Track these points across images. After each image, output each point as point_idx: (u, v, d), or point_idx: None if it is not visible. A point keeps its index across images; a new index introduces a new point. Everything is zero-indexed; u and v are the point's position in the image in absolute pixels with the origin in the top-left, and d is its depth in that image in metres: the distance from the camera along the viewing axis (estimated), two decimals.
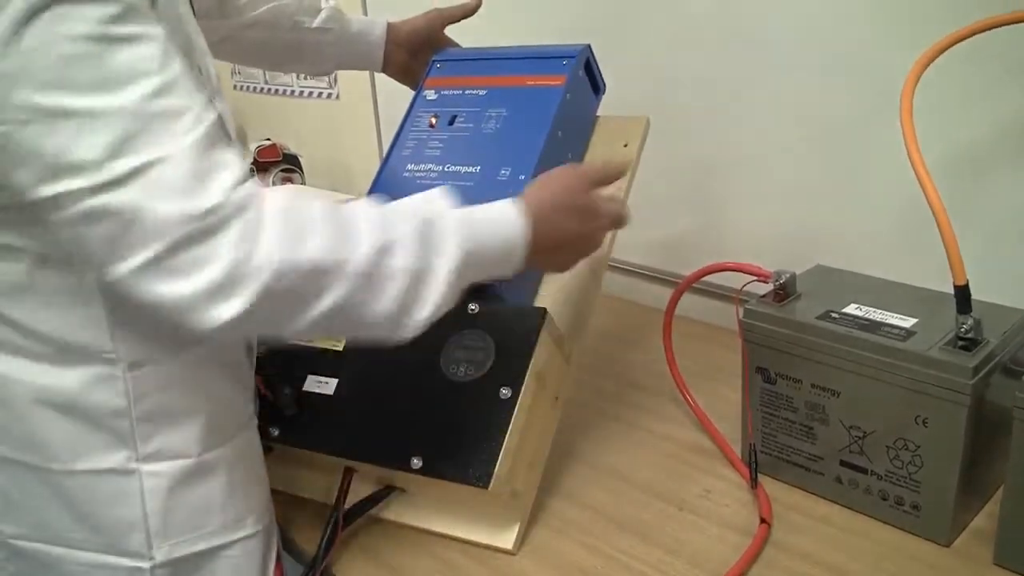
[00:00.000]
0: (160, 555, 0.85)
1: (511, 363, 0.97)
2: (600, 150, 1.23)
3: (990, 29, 0.94)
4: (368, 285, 0.73)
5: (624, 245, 1.16)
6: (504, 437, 0.93)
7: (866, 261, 1.12)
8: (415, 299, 0.76)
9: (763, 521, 0.98)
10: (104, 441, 0.82)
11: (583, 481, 1.10)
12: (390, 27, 1.26)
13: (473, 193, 1.02)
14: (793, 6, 1.30)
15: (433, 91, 1.25)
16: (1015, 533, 0.88)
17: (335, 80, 2.33)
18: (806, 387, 0.99)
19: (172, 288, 0.67)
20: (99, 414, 0.81)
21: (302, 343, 1.09)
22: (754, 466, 1.05)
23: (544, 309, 1.01)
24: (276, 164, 2.29)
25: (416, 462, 0.95)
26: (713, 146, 1.46)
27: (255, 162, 2.28)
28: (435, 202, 0.82)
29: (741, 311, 1.03)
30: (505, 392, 0.95)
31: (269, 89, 2.61)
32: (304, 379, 1.07)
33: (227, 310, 0.67)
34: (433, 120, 1.21)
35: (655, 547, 0.98)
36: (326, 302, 0.71)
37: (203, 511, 0.87)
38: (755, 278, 1.04)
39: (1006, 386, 0.87)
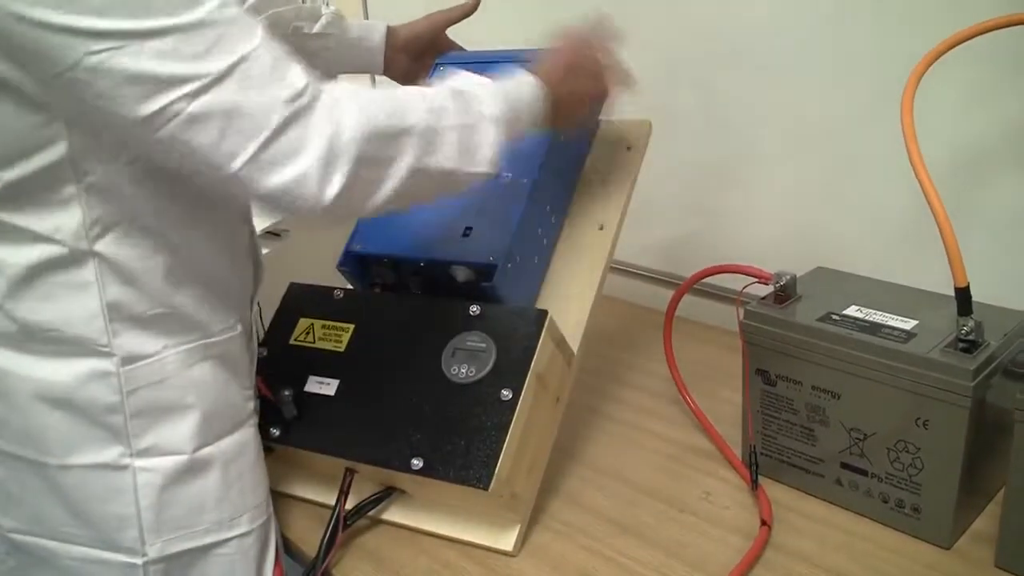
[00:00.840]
0: (153, 551, 0.86)
1: (512, 364, 0.97)
2: (603, 152, 1.23)
3: (990, 31, 0.94)
4: (434, 139, 0.82)
5: (625, 246, 1.16)
6: (505, 438, 0.93)
7: (867, 263, 1.12)
8: (474, 144, 0.86)
9: (763, 523, 0.97)
10: (98, 436, 0.83)
11: (583, 483, 1.10)
12: (390, 31, 1.27)
13: (477, 196, 1.02)
14: (794, 8, 1.30)
15: None
16: (1016, 535, 0.88)
17: None
18: (806, 389, 0.99)
19: (283, 172, 0.74)
20: (93, 409, 0.82)
21: (302, 344, 1.09)
22: (754, 468, 1.04)
23: (545, 311, 1.00)
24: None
25: (416, 463, 0.95)
26: (713, 148, 1.46)
27: None
28: (467, 78, 0.93)
29: (742, 313, 1.03)
30: (506, 393, 0.95)
31: None
32: (305, 380, 1.07)
33: (334, 184, 0.75)
34: None
35: (655, 549, 0.97)
36: (407, 159, 0.80)
37: (197, 508, 0.88)
38: (756, 280, 1.03)
39: (1007, 388, 0.87)
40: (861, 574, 0.91)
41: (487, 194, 1.04)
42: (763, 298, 1.04)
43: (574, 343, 1.08)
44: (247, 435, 0.95)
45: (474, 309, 1.02)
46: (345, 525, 1.01)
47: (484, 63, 1.23)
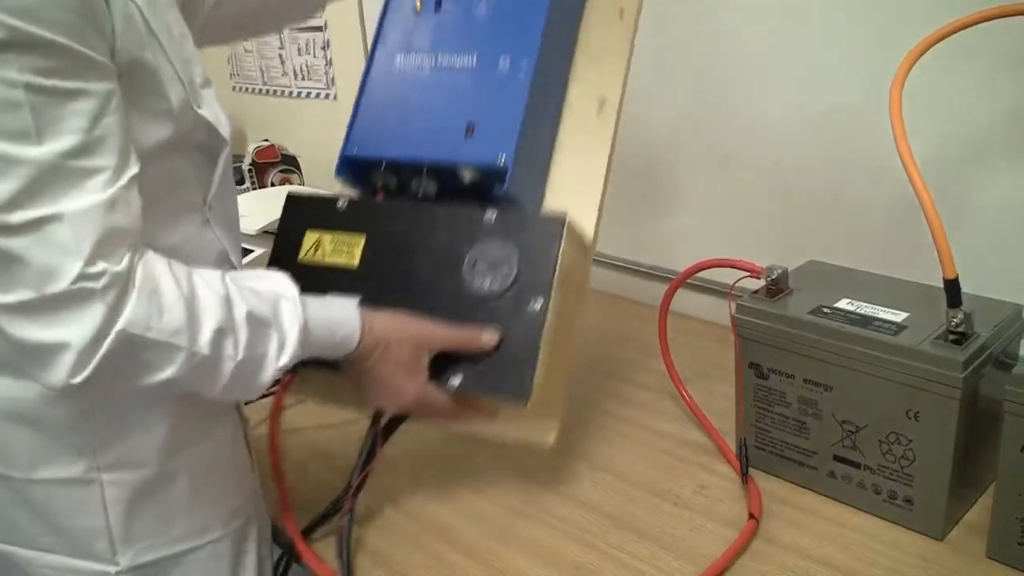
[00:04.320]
0: (125, 561, 0.85)
1: (536, 274, 0.94)
2: (593, 22, 1.13)
3: (978, 23, 0.94)
4: (208, 367, 0.76)
5: (617, 241, 1.16)
6: (538, 351, 0.92)
7: (859, 256, 1.13)
8: (248, 380, 0.80)
9: (751, 516, 0.98)
10: (63, 452, 0.82)
11: (578, 477, 1.11)
12: None
13: (474, 88, 0.99)
14: (787, 3, 1.30)
15: None
16: (1007, 526, 0.88)
17: (332, 81, 2.33)
18: (798, 382, 0.99)
19: (31, 333, 0.68)
20: (57, 426, 0.81)
21: (312, 261, 1.05)
22: (744, 461, 1.05)
23: (564, 215, 0.96)
24: (274, 165, 2.30)
25: (453, 381, 0.95)
26: (706, 142, 1.47)
27: (253, 163, 2.29)
28: (281, 285, 0.85)
29: (734, 307, 1.03)
30: (534, 304, 0.93)
31: (267, 90, 2.62)
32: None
33: (77, 372, 0.69)
34: (418, 3, 1.10)
35: (650, 543, 0.98)
36: (168, 373, 0.74)
37: (167, 518, 0.87)
38: (748, 274, 1.04)
39: (998, 379, 0.88)
40: (854, 566, 0.92)
41: (485, 82, 1.01)
42: (755, 292, 1.04)
43: (589, 224, 1.04)
44: (222, 438, 0.94)
45: (490, 216, 0.98)
46: (383, 440, 1.02)
47: None
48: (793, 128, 1.34)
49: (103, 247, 0.69)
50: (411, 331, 0.93)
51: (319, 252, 1.04)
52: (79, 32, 0.68)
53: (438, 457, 1.17)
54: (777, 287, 1.02)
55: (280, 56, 2.51)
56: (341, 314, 0.89)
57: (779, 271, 1.02)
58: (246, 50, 2.66)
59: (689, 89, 1.46)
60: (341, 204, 1.05)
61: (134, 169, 0.73)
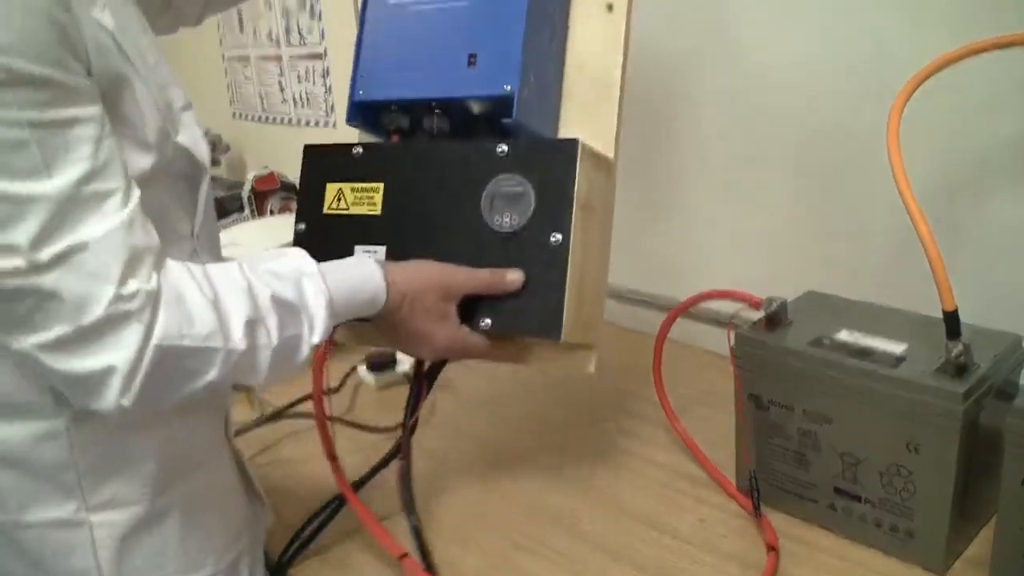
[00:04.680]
0: None
1: (554, 203, 0.93)
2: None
3: (975, 54, 0.95)
4: (247, 359, 0.77)
5: (615, 269, 1.15)
6: (565, 284, 0.92)
7: (858, 285, 1.13)
8: (288, 361, 0.81)
9: (771, 549, 0.97)
10: (51, 493, 0.81)
11: (577, 509, 1.10)
12: None
13: (472, 16, 0.99)
14: (787, 27, 1.30)
15: None
16: (1008, 561, 0.87)
17: (332, 109, 2.34)
18: (798, 414, 0.99)
19: (75, 365, 0.69)
20: (45, 468, 0.81)
21: (336, 212, 1.04)
22: (756, 494, 1.03)
23: (576, 141, 0.94)
24: (274, 193, 2.30)
25: (486, 322, 0.95)
26: (704, 170, 1.47)
27: (253, 191, 2.29)
28: (300, 262, 0.85)
29: (733, 338, 1.03)
30: (556, 237, 0.93)
31: (267, 118, 2.63)
32: (351, 251, 1.02)
33: (125, 394, 0.70)
34: None
35: None
36: (211, 375, 0.75)
37: (158, 557, 0.86)
38: (746, 304, 1.03)
39: (999, 409, 0.87)
40: None
41: (481, 6, 0.99)
42: (754, 323, 1.04)
43: (608, 142, 1.02)
44: (213, 470, 0.93)
45: (502, 149, 0.96)
46: (428, 387, 1.06)
47: None
48: (793, 155, 1.34)
49: (131, 267, 0.70)
50: (435, 279, 0.94)
51: (342, 203, 1.04)
52: (63, 62, 0.68)
53: (437, 489, 1.16)
54: (776, 318, 1.02)
55: (280, 84, 2.52)
56: (364, 276, 0.89)
57: (778, 302, 1.02)
58: (246, 77, 2.68)
59: (687, 115, 1.46)
60: (356, 152, 1.05)
61: (138, 190, 0.74)
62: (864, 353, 0.94)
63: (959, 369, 0.89)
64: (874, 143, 0.94)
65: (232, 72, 2.77)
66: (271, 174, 2.30)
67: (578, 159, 0.93)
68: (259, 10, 2.50)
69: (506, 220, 0.95)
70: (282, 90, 2.52)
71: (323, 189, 1.05)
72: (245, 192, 2.29)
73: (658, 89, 1.47)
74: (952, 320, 0.89)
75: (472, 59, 0.99)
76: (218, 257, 0.99)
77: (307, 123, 2.44)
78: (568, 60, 1.06)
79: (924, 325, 0.98)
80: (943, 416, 0.87)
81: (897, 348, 0.95)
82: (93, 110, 0.71)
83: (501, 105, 0.96)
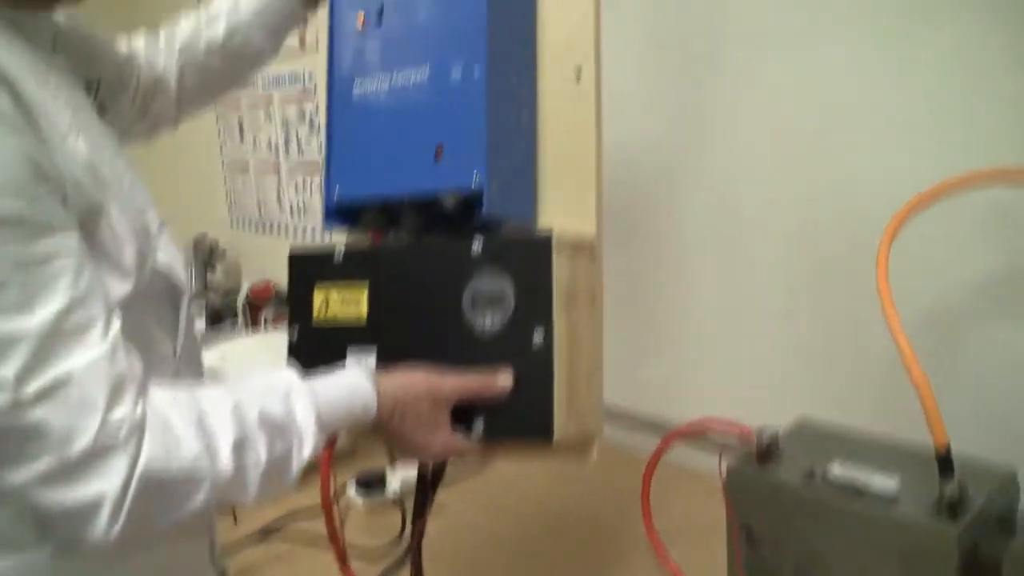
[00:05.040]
0: None
1: (534, 302, 0.92)
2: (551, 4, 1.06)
3: (961, 189, 0.96)
4: (237, 479, 0.76)
5: (608, 387, 1.14)
6: (552, 386, 0.90)
7: (851, 411, 1.12)
8: (278, 478, 0.80)
9: None
10: None
11: None
12: None
13: (434, 106, 0.97)
14: (774, 163, 1.32)
15: None
16: None
17: None
18: (792, 550, 0.97)
19: (63, 497, 0.68)
20: None
21: (326, 319, 1.04)
22: None
23: (549, 234, 0.93)
24: (268, 302, 2.30)
25: (478, 426, 0.94)
26: (701, 296, 1.47)
27: (248, 301, 2.30)
28: (287, 378, 0.85)
29: (724, 469, 1.02)
30: (538, 336, 0.91)
31: (264, 225, 2.65)
32: (344, 355, 1.01)
33: (112, 524, 0.69)
34: (360, 20, 1.06)
35: None
36: (199, 499, 0.74)
37: None
38: (738, 435, 1.02)
39: (997, 540, 0.86)
40: None
41: (442, 95, 0.98)
42: (746, 454, 1.02)
43: (589, 220, 1.01)
44: None
45: (476, 246, 0.95)
46: (433, 489, 1.05)
47: None
48: (786, 281, 1.35)
49: (115, 396, 0.70)
50: (425, 387, 0.93)
51: (330, 310, 1.04)
52: (40, 198, 0.69)
53: None
54: (768, 450, 1.01)
55: (278, 192, 2.56)
56: (353, 387, 0.89)
57: (769, 434, 1.01)
58: (245, 185, 2.71)
59: (682, 245, 1.47)
60: (337, 256, 1.05)
61: (118, 317, 0.74)
62: (857, 489, 0.93)
63: (953, 508, 0.87)
64: (866, 268, 0.94)
65: (231, 179, 2.81)
66: (266, 284, 2.32)
67: (553, 255, 0.92)
68: (260, 121, 2.55)
69: (488, 321, 0.94)
70: (279, 200, 2.55)
71: (311, 294, 1.06)
72: (240, 302, 2.30)
73: (645, 209, 1.48)
74: (945, 458, 0.88)
75: (439, 150, 0.98)
76: (200, 376, 0.99)
77: (304, 232, 2.46)
78: (541, 134, 1.05)
79: (918, 455, 0.96)
80: (939, 556, 0.85)
81: (891, 481, 0.93)
82: (71, 242, 0.72)
83: (471, 197, 0.96)
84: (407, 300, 0.99)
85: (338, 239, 1.10)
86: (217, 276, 2.78)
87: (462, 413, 0.94)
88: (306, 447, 0.82)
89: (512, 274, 0.93)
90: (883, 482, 0.94)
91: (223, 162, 2.82)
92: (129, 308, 0.82)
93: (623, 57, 1.39)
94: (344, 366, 0.93)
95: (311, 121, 2.34)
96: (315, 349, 1.03)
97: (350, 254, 1.04)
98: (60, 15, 0.95)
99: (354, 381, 0.89)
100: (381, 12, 1.04)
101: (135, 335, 0.83)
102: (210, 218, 2.89)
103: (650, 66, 1.47)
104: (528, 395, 0.92)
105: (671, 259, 1.49)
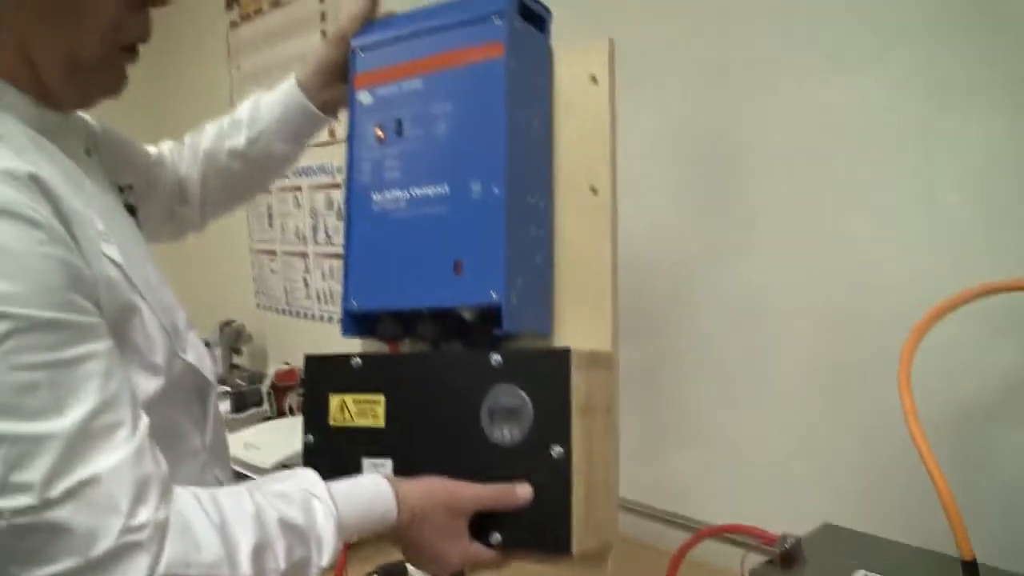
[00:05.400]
0: None
1: (553, 417, 0.93)
2: (566, 97, 1.08)
3: (987, 296, 0.96)
4: None
5: (628, 484, 1.14)
6: (571, 500, 0.90)
7: (876, 518, 1.10)
8: None
9: None
10: None
11: None
12: (300, 83, 1.21)
13: (453, 222, 0.98)
14: (797, 252, 1.34)
15: (367, 92, 1.10)
16: None
17: None
18: None
19: None
20: None
21: (342, 424, 1.04)
22: None
23: (567, 350, 0.94)
24: (293, 388, 2.32)
25: (496, 537, 0.93)
26: (719, 385, 1.48)
27: (273, 386, 2.31)
28: (308, 483, 0.86)
29: (746, 570, 1.01)
30: (557, 450, 0.92)
31: (290, 311, 2.68)
32: (359, 463, 1.02)
33: None
34: (380, 132, 1.08)
35: None
36: None
37: None
38: (760, 542, 1.02)
39: None
40: None
41: (461, 210, 0.99)
42: (769, 560, 1.02)
43: (605, 334, 1.02)
44: None
45: (496, 359, 0.96)
46: None
47: (405, 39, 1.08)
48: (806, 384, 1.35)
49: (139, 497, 0.71)
50: (444, 498, 0.93)
51: (346, 415, 1.04)
52: (74, 304, 0.72)
53: None
54: (790, 557, 1.00)
55: (304, 279, 2.59)
56: (374, 495, 0.89)
57: (792, 541, 1.00)
58: (272, 271, 2.75)
59: (697, 344, 1.48)
60: (355, 364, 1.05)
61: (146, 418, 0.76)
62: None
63: None
64: (887, 372, 0.94)
65: (258, 264, 2.86)
66: (291, 370, 2.33)
67: (572, 370, 0.93)
68: (288, 208, 2.60)
69: (506, 433, 0.95)
70: (306, 285, 2.59)
71: (327, 399, 1.06)
72: (265, 387, 2.31)
73: (668, 303, 1.49)
74: (971, 571, 0.86)
75: (458, 266, 0.99)
76: (228, 467, 1.01)
77: (329, 319, 2.49)
78: (557, 246, 1.07)
79: (944, 565, 0.95)
80: None
81: None
82: (102, 345, 0.74)
83: (490, 312, 0.97)
84: (424, 409, 1.00)
85: (355, 344, 1.11)
86: (243, 359, 2.80)
87: (479, 524, 0.95)
88: (325, 553, 0.82)
89: (531, 388, 0.95)
90: None
91: (251, 247, 2.86)
92: (159, 403, 0.84)
93: (645, 143, 1.42)
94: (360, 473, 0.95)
95: (339, 210, 2.38)
96: (330, 453, 1.03)
97: (368, 362, 1.05)
98: (91, 119, 0.99)
99: (374, 488, 0.90)
100: (400, 125, 1.06)
101: (165, 429, 0.85)
102: (237, 302, 2.93)
103: (673, 154, 1.50)
104: (546, 508, 0.92)
105: (692, 354, 1.50)
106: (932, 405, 0.88)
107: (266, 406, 2.32)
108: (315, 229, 2.51)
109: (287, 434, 1.84)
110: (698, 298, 1.48)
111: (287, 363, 2.39)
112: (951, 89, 1.16)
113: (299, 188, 2.53)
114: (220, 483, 0.98)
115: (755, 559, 1.02)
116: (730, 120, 1.41)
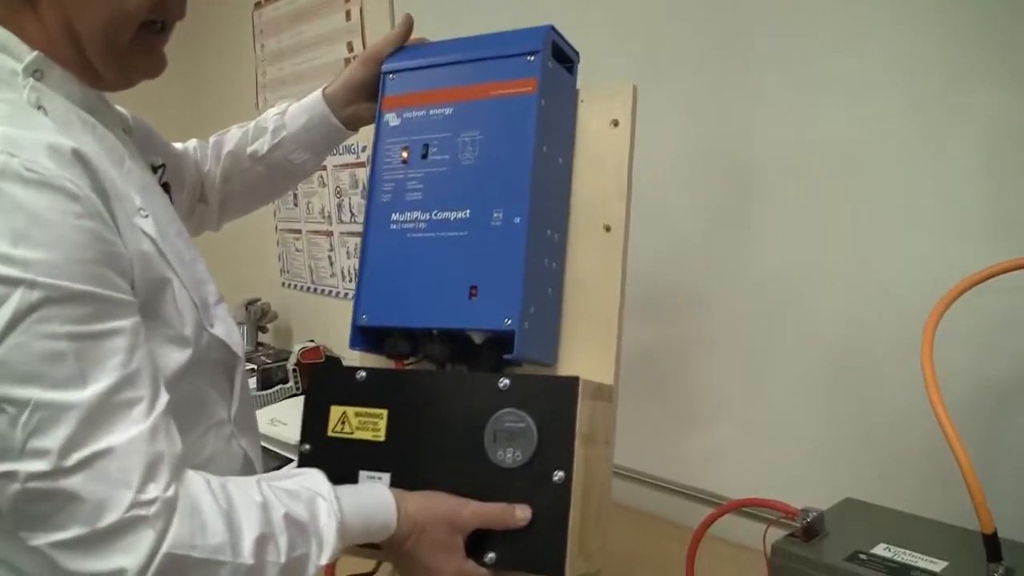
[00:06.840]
0: None
1: (556, 442, 0.95)
2: (588, 138, 1.12)
3: (1007, 272, 0.96)
4: (250, 573, 0.77)
5: (654, 461, 1.15)
6: (567, 525, 0.92)
7: (896, 494, 1.11)
8: (294, 574, 0.81)
9: None
10: None
11: None
12: (328, 97, 1.24)
13: (472, 247, 1.01)
14: (824, 238, 1.34)
15: (394, 114, 1.13)
16: None
17: None
18: None
19: (87, 565, 0.70)
20: None
21: (341, 435, 1.04)
22: None
23: (576, 379, 0.96)
24: (317, 365, 2.34)
25: (490, 556, 0.95)
26: (742, 365, 1.48)
27: (298, 363, 2.34)
28: (316, 484, 0.88)
29: (768, 549, 1.02)
30: (558, 475, 0.93)
31: (315, 289, 2.70)
32: (356, 475, 1.03)
33: None
34: (404, 154, 1.10)
35: None
36: None
37: None
38: (782, 515, 1.03)
39: None
40: None
41: (481, 237, 1.01)
42: (791, 534, 1.02)
43: (608, 369, 1.04)
44: None
45: (504, 383, 0.98)
46: None
47: (438, 66, 1.12)
48: (828, 363, 1.35)
49: (151, 473, 0.72)
50: (444, 512, 0.94)
51: (346, 426, 1.05)
52: (105, 278, 0.74)
53: None
54: (812, 530, 1.01)
55: (329, 258, 2.61)
56: (376, 503, 0.91)
57: (814, 514, 1.01)
58: (297, 249, 2.77)
59: (719, 326, 1.48)
60: (360, 376, 1.06)
61: (165, 396, 0.77)
62: (903, 571, 0.92)
63: None
64: (910, 349, 0.95)
65: (284, 243, 2.88)
66: (316, 348, 2.35)
67: (579, 398, 0.95)
68: (313, 187, 2.61)
69: (509, 455, 0.97)
70: (331, 264, 2.61)
71: (327, 411, 1.06)
72: (290, 365, 2.34)
73: (691, 290, 1.50)
74: (992, 543, 0.87)
75: (473, 291, 1.02)
76: (256, 440, 1.03)
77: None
78: (567, 281, 1.09)
79: (965, 539, 0.96)
80: None
81: (937, 566, 0.93)
82: (129, 322, 0.76)
83: (502, 338, 0.99)
84: (427, 427, 1.01)
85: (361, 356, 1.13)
86: (268, 337, 2.83)
87: (474, 542, 0.96)
88: (325, 553, 0.84)
89: (537, 412, 0.96)
90: (929, 566, 0.93)
91: (276, 226, 2.88)
92: (187, 374, 0.86)
93: (664, 155, 1.43)
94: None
95: (363, 189, 2.39)
96: (327, 464, 1.00)
97: (373, 376, 1.06)
98: (125, 110, 1.02)
99: (379, 498, 0.92)
100: (427, 149, 1.08)
101: (191, 400, 0.87)
102: (262, 281, 2.95)
103: (690, 168, 1.50)
104: (543, 531, 0.94)
105: (718, 336, 1.51)
106: (954, 380, 0.89)
107: (291, 383, 2.34)
108: (340, 208, 2.53)
109: None
110: (724, 282, 1.48)
111: (312, 341, 2.41)
112: (966, 79, 1.16)
113: (324, 167, 2.54)
114: (246, 453, 1.01)
115: (777, 533, 1.03)
116: (749, 111, 1.42)
